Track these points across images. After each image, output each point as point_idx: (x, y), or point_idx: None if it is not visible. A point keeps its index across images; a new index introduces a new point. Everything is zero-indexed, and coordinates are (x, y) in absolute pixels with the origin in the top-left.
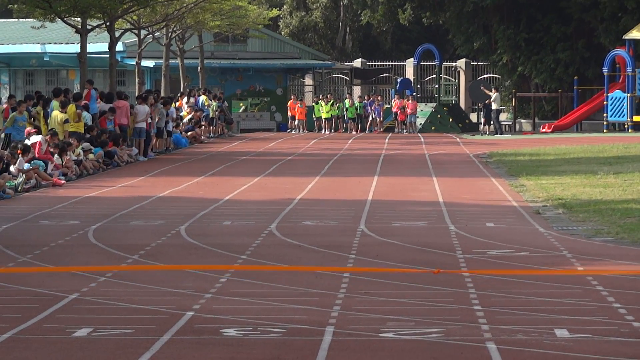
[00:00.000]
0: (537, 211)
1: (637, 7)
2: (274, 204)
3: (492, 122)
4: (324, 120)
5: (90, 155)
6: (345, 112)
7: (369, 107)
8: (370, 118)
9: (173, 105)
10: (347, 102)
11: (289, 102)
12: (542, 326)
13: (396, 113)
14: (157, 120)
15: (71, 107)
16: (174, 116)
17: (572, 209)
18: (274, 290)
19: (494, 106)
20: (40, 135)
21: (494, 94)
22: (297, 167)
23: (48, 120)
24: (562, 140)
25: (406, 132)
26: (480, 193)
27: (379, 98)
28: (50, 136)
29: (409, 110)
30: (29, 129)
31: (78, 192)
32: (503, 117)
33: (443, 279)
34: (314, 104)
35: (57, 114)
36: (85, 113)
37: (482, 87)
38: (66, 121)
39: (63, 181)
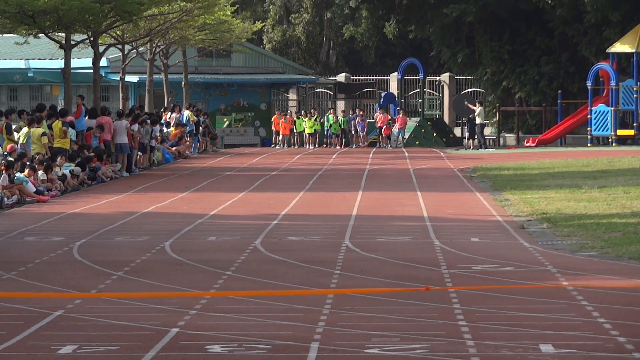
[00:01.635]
0: (521, 226)
1: (620, 20)
2: (259, 219)
3: (476, 137)
4: (306, 135)
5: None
6: (329, 128)
7: (352, 122)
8: (354, 132)
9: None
10: (331, 118)
11: (273, 117)
12: (527, 341)
13: (381, 128)
14: (140, 137)
15: (57, 124)
16: (157, 134)
17: (557, 224)
18: (259, 307)
19: (478, 120)
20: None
21: (477, 108)
22: (282, 182)
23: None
24: (546, 154)
25: (390, 146)
26: (465, 208)
27: (361, 113)
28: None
29: (398, 125)
30: (11, 145)
31: (62, 208)
32: (487, 131)
33: (428, 294)
34: (295, 118)
35: (34, 130)
36: (70, 129)
37: (465, 102)
38: (43, 134)
39: (48, 197)
